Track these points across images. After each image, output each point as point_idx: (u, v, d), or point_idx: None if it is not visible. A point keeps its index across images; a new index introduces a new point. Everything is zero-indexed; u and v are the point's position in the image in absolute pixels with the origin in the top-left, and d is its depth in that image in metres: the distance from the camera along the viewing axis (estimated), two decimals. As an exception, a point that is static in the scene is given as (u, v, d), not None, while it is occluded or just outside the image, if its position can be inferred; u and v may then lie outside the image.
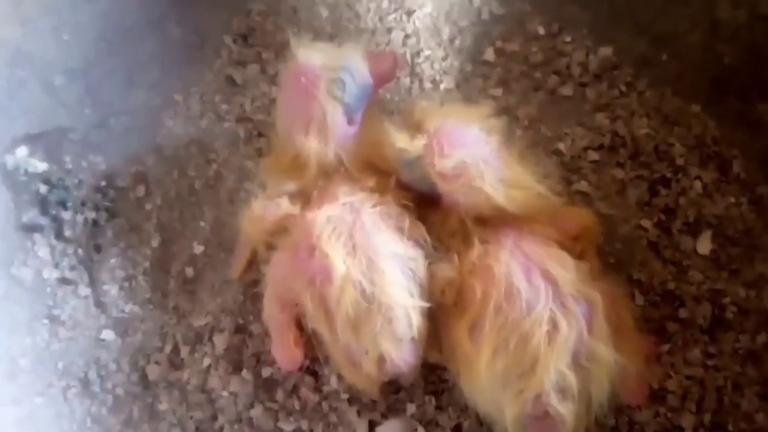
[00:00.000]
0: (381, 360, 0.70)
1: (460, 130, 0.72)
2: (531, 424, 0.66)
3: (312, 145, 0.74)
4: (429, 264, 0.73)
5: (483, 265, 0.69)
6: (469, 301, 0.69)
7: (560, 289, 0.67)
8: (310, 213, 0.73)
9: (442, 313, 0.73)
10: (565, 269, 0.68)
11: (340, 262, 0.68)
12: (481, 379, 0.66)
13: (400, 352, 0.70)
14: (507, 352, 0.65)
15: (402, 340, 0.70)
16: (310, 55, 0.75)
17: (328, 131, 0.74)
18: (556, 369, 0.64)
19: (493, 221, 0.73)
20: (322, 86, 0.74)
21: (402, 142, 0.74)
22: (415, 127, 0.76)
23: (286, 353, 0.78)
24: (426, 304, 0.71)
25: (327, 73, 0.74)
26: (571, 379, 0.64)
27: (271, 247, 0.78)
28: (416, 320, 0.70)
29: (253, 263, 0.85)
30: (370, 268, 0.69)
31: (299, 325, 0.77)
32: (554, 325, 0.65)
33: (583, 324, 0.66)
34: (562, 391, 0.64)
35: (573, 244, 0.73)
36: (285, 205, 0.77)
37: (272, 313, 0.78)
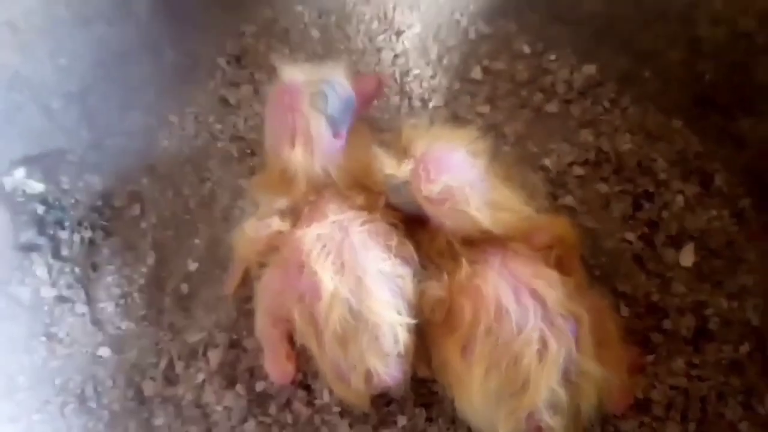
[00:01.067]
0: (368, 375, 0.71)
1: (446, 154, 0.73)
2: None
3: (298, 158, 0.76)
4: (418, 282, 0.75)
5: (472, 285, 0.70)
6: (459, 321, 0.70)
7: (548, 308, 0.68)
8: (300, 231, 0.74)
9: (432, 329, 0.75)
10: (552, 287, 0.69)
11: (328, 279, 0.70)
12: (474, 398, 0.68)
13: (387, 368, 0.71)
14: (499, 372, 0.66)
15: (388, 355, 0.71)
16: (293, 73, 0.78)
17: (313, 143, 0.76)
18: (547, 387, 0.65)
19: (479, 241, 0.75)
20: (305, 100, 0.76)
21: (389, 167, 0.75)
22: (402, 151, 0.77)
23: (278, 368, 0.79)
24: (413, 321, 0.72)
25: (309, 88, 0.77)
26: (562, 395, 0.66)
27: (263, 265, 0.79)
28: (403, 336, 0.71)
29: (247, 280, 0.86)
30: (357, 286, 0.70)
31: (291, 340, 0.78)
32: (544, 344, 0.66)
33: (572, 341, 0.67)
34: (553, 407, 0.66)
35: (548, 253, 0.75)
36: (275, 224, 0.78)
37: (264, 328, 0.79)
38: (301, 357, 0.78)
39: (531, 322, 0.66)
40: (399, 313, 0.71)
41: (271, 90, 0.80)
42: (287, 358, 0.78)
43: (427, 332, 0.75)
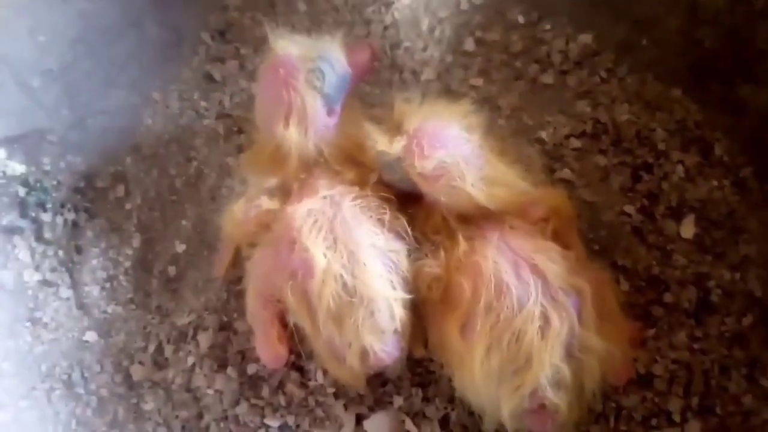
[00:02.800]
0: (364, 353, 0.70)
1: (439, 129, 0.72)
2: (527, 417, 0.67)
3: (292, 136, 0.73)
4: (414, 259, 0.73)
5: (470, 261, 0.69)
6: (458, 299, 0.69)
7: (549, 282, 0.67)
8: (290, 207, 0.73)
9: (428, 308, 0.74)
10: (553, 262, 0.68)
11: (320, 255, 0.68)
12: (476, 377, 0.66)
13: (383, 344, 0.70)
14: (500, 350, 0.65)
15: (385, 332, 0.70)
16: (288, 47, 0.75)
17: (307, 121, 0.74)
18: (550, 363, 0.64)
19: (475, 218, 0.74)
20: (301, 77, 0.73)
21: (382, 143, 0.73)
22: (395, 127, 0.75)
23: (270, 351, 0.77)
24: (408, 296, 0.71)
25: (305, 64, 0.74)
26: (565, 371, 0.65)
27: (253, 246, 0.78)
28: (399, 312, 0.70)
29: (237, 261, 0.85)
30: (351, 260, 0.69)
31: (283, 321, 0.76)
32: (546, 320, 0.65)
33: (574, 316, 0.66)
34: (557, 384, 0.65)
35: (545, 226, 0.73)
36: (265, 203, 0.77)
37: (255, 310, 0.77)
38: (293, 338, 0.76)
39: (532, 297, 0.65)
40: (394, 288, 0.70)
41: (264, 63, 0.77)
42: (279, 340, 0.76)
43: (423, 311, 0.74)
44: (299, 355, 0.80)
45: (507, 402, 0.66)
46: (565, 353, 0.65)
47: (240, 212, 0.78)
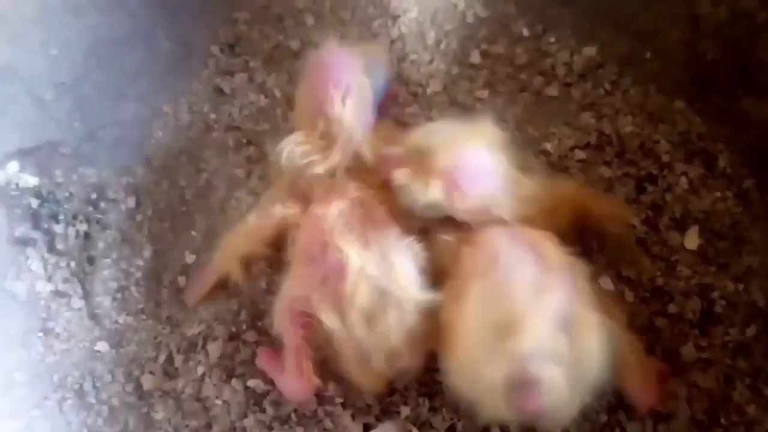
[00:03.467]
0: (391, 355, 0.70)
1: (473, 164, 0.71)
2: (516, 397, 0.62)
3: (347, 116, 0.73)
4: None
5: (473, 239, 0.70)
6: (458, 272, 0.69)
7: (546, 258, 0.66)
8: (319, 209, 0.72)
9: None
10: (552, 245, 0.68)
11: (354, 255, 0.67)
12: (465, 342, 0.65)
13: (409, 348, 0.70)
14: (489, 314, 0.63)
15: (413, 333, 0.69)
16: (337, 47, 0.78)
17: (363, 105, 0.75)
18: (539, 330, 0.61)
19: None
20: (359, 66, 0.75)
21: (416, 188, 0.72)
22: (417, 158, 0.73)
23: (299, 383, 0.74)
24: (437, 298, 0.70)
25: (360, 58, 0.77)
26: (557, 344, 0.62)
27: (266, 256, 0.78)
28: (425, 314, 0.70)
29: (224, 286, 0.85)
30: (384, 261, 0.68)
31: (311, 343, 0.74)
32: (537, 288, 0.63)
33: (569, 288, 0.64)
34: (552, 356, 0.61)
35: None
36: (280, 211, 0.77)
37: (284, 328, 0.75)
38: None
39: (525, 266, 0.64)
40: (424, 290, 0.70)
41: (315, 55, 0.79)
42: (307, 372, 0.73)
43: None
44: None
45: (495, 370, 0.62)
46: (559, 327, 0.62)
47: (254, 220, 0.78)
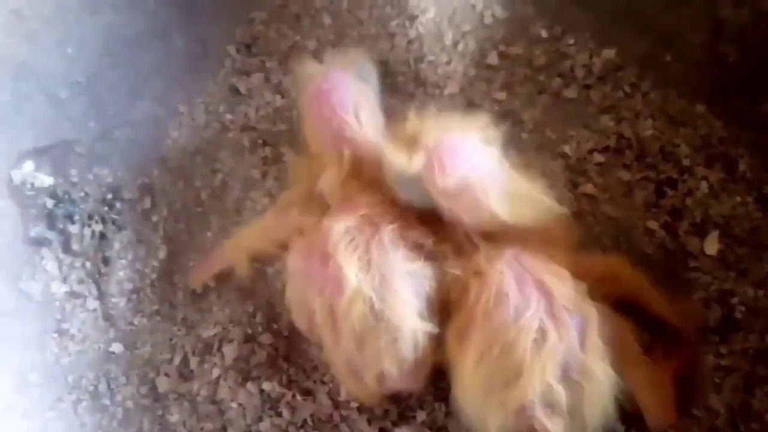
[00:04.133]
0: (382, 376, 0.69)
1: (460, 144, 0.69)
2: None
3: (368, 130, 0.75)
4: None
5: (480, 270, 0.68)
6: (463, 305, 0.67)
7: (553, 300, 0.64)
8: (329, 221, 0.71)
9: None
10: (562, 284, 0.66)
11: (353, 275, 0.67)
12: (466, 385, 0.65)
13: (402, 373, 0.69)
14: (491, 359, 0.63)
15: (405, 361, 0.69)
16: (320, 67, 0.79)
17: (374, 110, 0.77)
18: (542, 380, 0.61)
19: (499, 236, 0.71)
20: (351, 77, 0.76)
21: (399, 160, 0.70)
22: (410, 142, 0.72)
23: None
24: (436, 329, 0.69)
25: (348, 69, 0.77)
26: (560, 393, 0.61)
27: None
28: (423, 343, 0.68)
29: (226, 277, 0.85)
30: (382, 285, 0.67)
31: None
32: (542, 334, 0.62)
33: (575, 337, 0.63)
34: (550, 406, 0.62)
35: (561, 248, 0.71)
36: (296, 218, 0.77)
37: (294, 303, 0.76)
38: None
39: (531, 310, 0.63)
40: (422, 318, 0.68)
41: (307, 91, 0.79)
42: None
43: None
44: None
45: (494, 416, 0.63)
46: (562, 375, 0.62)
47: (272, 219, 0.78)
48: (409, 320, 0.67)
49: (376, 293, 0.67)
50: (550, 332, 0.62)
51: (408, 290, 0.68)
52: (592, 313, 0.65)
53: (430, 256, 0.71)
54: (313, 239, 0.72)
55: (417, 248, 0.71)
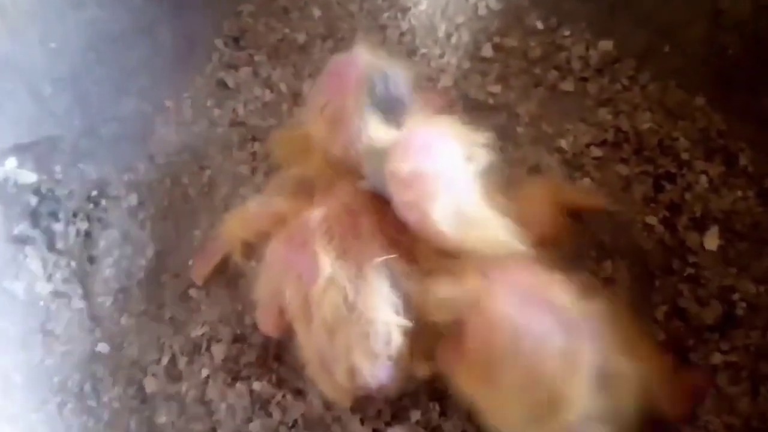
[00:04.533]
0: (352, 372, 0.67)
1: (434, 138, 0.66)
2: None
3: (320, 130, 0.71)
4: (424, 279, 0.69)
5: (480, 305, 0.63)
6: (472, 347, 0.63)
7: (565, 314, 0.61)
8: (309, 208, 0.70)
9: (435, 331, 0.68)
10: (563, 291, 0.63)
11: (327, 263, 0.65)
12: (508, 427, 0.64)
13: (373, 369, 0.67)
14: (527, 397, 0.61)
15: (377, 356, 0.67)
16: (364, 52, 0.73)
17: (340, 122, 0.70)
18: (580, 399, 0.60)
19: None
20: (356, 78, 0.71)
21: (375, 131, 0.69)
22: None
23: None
24: (410, 324, 0.66)
25: (368, 70, 0.71)
26: (599, 402, 0.60)
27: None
28: (396, 339, 0.66)
29: (222, 269, 0.84)
30: (358, 276, 0.65)
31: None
32: (569, 355, 0.60)
33: (597, 343, 0.61)
34: (592, 418, 0.61)
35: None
36: (280, 202, 0.75)
37: (264, 298, 0.75)
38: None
39: (549, 335, 0.60)
40: (397, 313, 0.66)
41: (334, 58, 0.76)
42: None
43: (431, 332, 0.68)
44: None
45: None
46: (594, 384, 0.60)
47: (254, 208, 0.76)
48: (383, 314, 0.65)
49: (351, 284, 0.65)
50: (575, 351, 0.60)
51: (384, 283, 0.66)
52: (600, 310, 0.63)
53: (408, 253, 0.69)
54: (293, 228, 0.70)
55: (395, 243, 0.69)
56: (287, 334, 0.75)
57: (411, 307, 0.67)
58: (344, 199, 0.70)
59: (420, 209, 0.64)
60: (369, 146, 0.69)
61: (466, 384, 0.65)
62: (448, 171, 0.65)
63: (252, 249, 0.79)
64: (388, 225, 0.69)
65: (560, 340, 0.60)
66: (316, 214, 0.68)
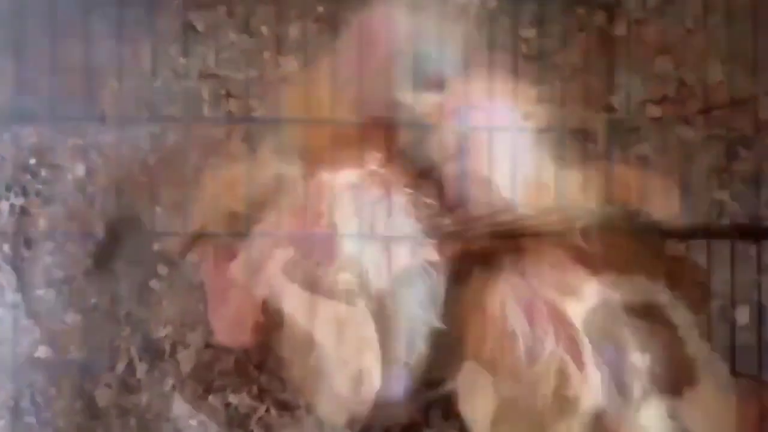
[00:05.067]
0: (359, 378, 0.61)
1: (484, 98, 0.65)
2: None
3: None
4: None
5: (480, 302, 0.62)
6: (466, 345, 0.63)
7: (573, 329, 0.58)
8: (326, 174, 0.64)
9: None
10: (582, 300, 0.60)
11: (347, 241, 0.60)
12: None
13: (387, 374, 0.62)
14: (510, 414, 0.60)
15: (395, 359, 0.62)
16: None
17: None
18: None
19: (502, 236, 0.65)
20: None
21: (410, 97, 0.66)
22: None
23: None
24: (437, 323, 0.63)
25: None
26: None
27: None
28: (420, 343, 0.62)
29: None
30: (383, 260, 0.62)
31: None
32: (564, 379, 0.57)
33: (606, 374, 0.58)
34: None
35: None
36: (278, 167, 0.68)
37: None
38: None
39: (547, 348, 0.58)
40: (424, 311, 0.62)
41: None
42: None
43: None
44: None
45: None
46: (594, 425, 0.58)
47: (244, 175, 0.70)
48: (410, 309, 0.61)
49: (376, 268, 0.60)
50: (572, 375, 0.58)
51: (417, 273, 0.62)
52: (626, 334, 0.59)
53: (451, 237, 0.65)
54: (301, 195, 0.65)
55: (431, 224, 0.64)
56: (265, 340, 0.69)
57: (444, 309, 0.63)
58: (373, 165, 0.65)
59: (479, 178, 0.62)
60: (408, 115, 0.67)
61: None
62: (506, 125, 0.64)
63: (241, 222, 0.71)
64: (422, 204, 0.65)
65: (558, 358, 0.57)
66: (338, 180, 0.63)
